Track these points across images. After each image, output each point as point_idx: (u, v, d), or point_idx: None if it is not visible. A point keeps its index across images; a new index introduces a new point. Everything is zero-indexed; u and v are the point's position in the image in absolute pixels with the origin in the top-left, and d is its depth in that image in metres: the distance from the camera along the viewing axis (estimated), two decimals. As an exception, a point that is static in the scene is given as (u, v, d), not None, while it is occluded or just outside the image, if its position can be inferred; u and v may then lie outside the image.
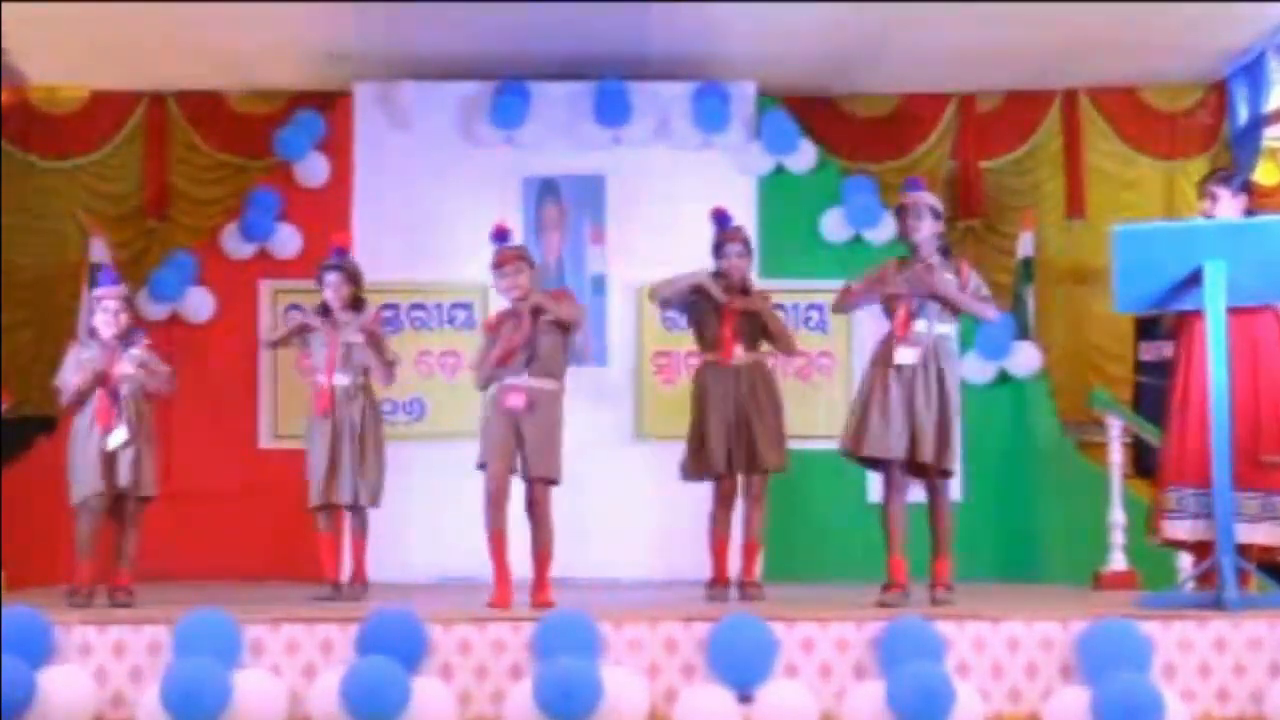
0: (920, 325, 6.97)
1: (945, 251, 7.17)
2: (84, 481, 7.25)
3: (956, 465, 7.06)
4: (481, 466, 7.07)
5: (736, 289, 7.67)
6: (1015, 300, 10.06)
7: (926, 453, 6.88)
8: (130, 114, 10.59)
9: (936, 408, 6.92)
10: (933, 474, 7.01)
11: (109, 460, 7.23)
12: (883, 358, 7.02)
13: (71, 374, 7.35)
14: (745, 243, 7.74)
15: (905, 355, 6.92)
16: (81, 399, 7.28)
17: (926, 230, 7.07)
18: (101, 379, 7.24)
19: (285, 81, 10.35)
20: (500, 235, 7.31)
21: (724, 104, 9.85)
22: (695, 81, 9.89)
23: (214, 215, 10.31)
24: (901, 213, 7.17)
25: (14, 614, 6.13)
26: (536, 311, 7.04)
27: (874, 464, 7.12)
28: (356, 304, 7.98)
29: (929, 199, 7.17)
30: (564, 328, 7.13)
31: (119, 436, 7.24)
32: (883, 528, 7.02)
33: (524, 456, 7.00)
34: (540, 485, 7.01)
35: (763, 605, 6.97)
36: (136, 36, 9.37)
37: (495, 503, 6.97)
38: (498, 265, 7.20)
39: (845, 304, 7.38)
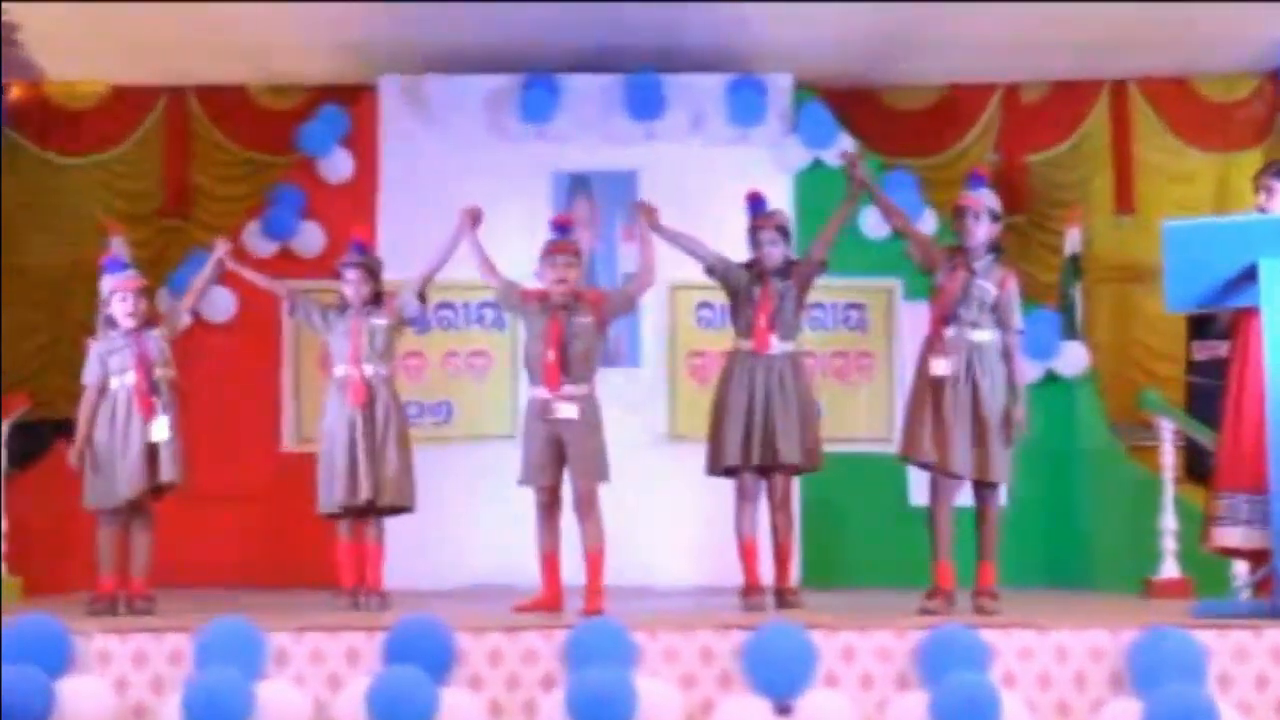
0: (951, 332, 6.96)
1: (996, 251, 7.13)
2: (124, 482, 7.18)
3: (1000, 476, 7.01)
4: (523, 482, 7.23)
5: (770, 277, 7.59)
6: (1063, 299, 10.01)
7: (959, 466, 6.87)
8: (150, 109, 10.66)
9: (970, 420, 6.90)
10: (982, 486, 7.01)
11: (151, 455, 7.23)
12: (921, 363, 7.05)
13: (94, 370, 7.36)
14: (779, 228, 7.63)
15: (938, 366, 6.94)
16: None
17: (982, 234, 7.07)
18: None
19: (309, 75, 10.39)
20: (562, 226, 7.46)
21: (760, 97, 9.84)
22: (730, 74, 9.90)
23: (236, 213, 10.34)
24: (959, 212, 7.15)
25: (32, 622, 6.16)
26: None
27: (924, 466, 7.12)
28: (377, 300, 7.86)
29: (990, 200, 7.14)
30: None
31: (163, 426, 7.25)
32: (928, 532, 7.00)
33: (572, 463, 7.15)
34: (588, 482, 7.13)
35: (801, 613, 6.96)
36: (156, 30, 9.41)
37: (547, 525, 7.23)
38: (551, 253, 7.28)
39: (902, 227, 7.50)
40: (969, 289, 7.01)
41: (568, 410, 7.14)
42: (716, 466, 7.54)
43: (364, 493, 7.52)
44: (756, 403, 7.43)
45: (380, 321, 7.71)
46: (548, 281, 7.29)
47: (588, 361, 7.25)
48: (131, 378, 7.27)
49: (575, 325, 7.22)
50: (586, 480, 7.14)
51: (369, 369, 7.64)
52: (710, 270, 7.74)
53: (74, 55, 9.94)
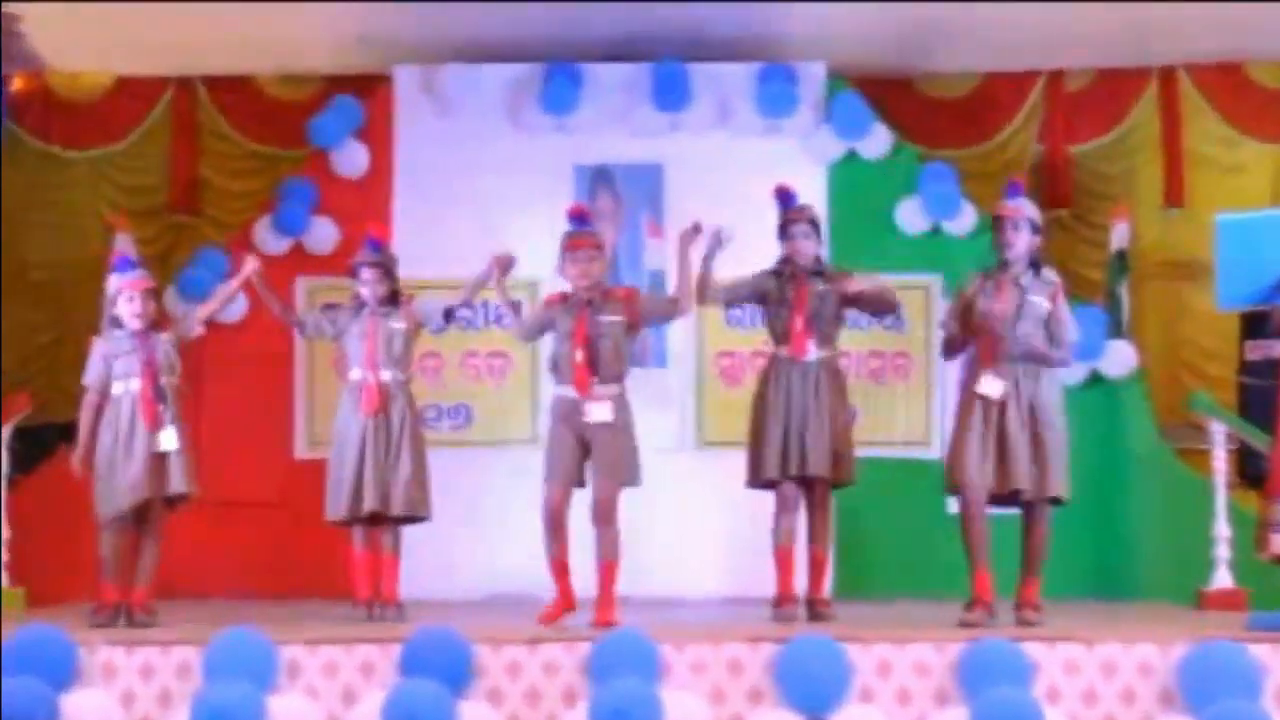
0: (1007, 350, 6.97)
1: (1037, 266, 7.12)
2: (126, 491, 7.20)
3: (1063, 490, 7.01)
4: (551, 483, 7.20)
5: (804, 275, 7.59)
6: (1108, 297, 9.97)
7: (1021, 481, 6.85)
8: (156, 101, 10.67)
9: (1029, 436, 6.88)
10: (1034, 500, 6.98)
11: (158, 464, 7.25)
12: (969, 384, 7.03)
13: (97, 370, 7.37)
14: (812, 222, 7.66)
15: (990, 387, 6.92)
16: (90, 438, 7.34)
17: (1023, 246, 7.07)
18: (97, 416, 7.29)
19: (321, 65, 10.40)
20: (579, 217, 7.41)
21: (791, 86, 9.82)
22: (760, 62, 9.88)
23: (245, 208, 10.37)
24: (998, 223, 7.15)
25: (35, 634, 6.19)
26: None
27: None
28: (394, 299, 7.91)
29: (1029, 210, 7.15)
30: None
31: (171, 435, 7.27)
32: (964, 542, 6.99)
33: (596, 465, 7.11)
34: (610, 487, 7.06)
35: (835, 625, 6.96)
36: (162, 19, 9.42)
37: (554, 529, 7.11)
38: (572, 248, 7.27)
39: (953, 351, 7.34)
40: (1022, 306, 7.00)
41: (600, 413, 7.11)
42: (757, 479, 7.54)
43: (370, 503, 7.58)
44: (794, 412, 7.43)
45: (398, 326, 7.77)
46: (570, 277, 7.29)
47: (618, 361, 7.22)
48: (137, 384, 7.29)
49: (603, 324, 7.19)
50: (611, 484, 7.09)
51: (385, 374, 7.69)
52: (744, 301, 7.78)
53: (77, 45, 9.97)
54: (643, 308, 7.44)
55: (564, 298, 7.36)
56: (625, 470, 7.15)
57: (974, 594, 6.92)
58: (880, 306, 7.67)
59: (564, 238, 7.35)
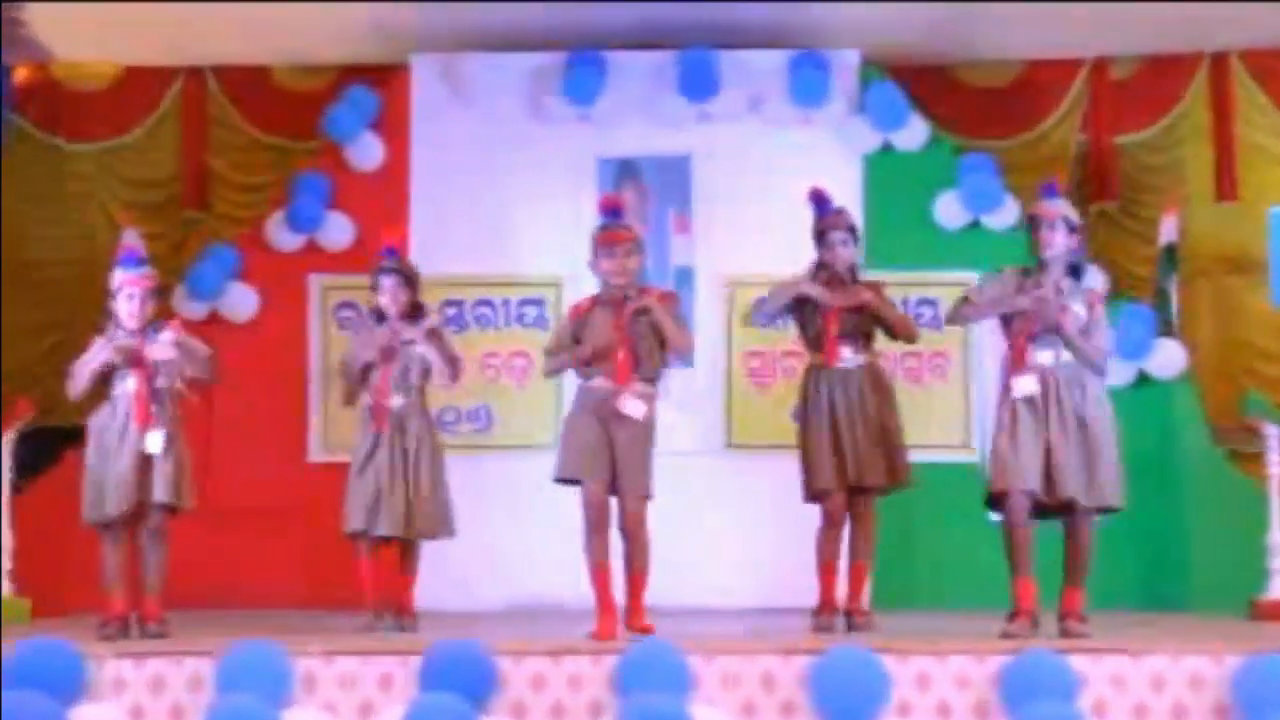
0: (1045, 356, 6.94)
1: (1076, 272, 7.11)
2: (112, 495, 7.14)
3: (1117, 499, 6.97)
4: (563, 481, 7.10)
5: (841, 281, 7.61)
6: (1157, 294, 9.96)
7: (1071, 490, 6.82)
8: (165, 91, 10.72)
9: (1078, 442, 6.86)
10: (1079, 509, 6.95)
11: (144, 469, 7.23)
12: (1005, 387, 7.02)
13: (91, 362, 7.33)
14: (850, 228, 7.67)
15: (1023, 386, 6.90)
16: (103, 377, 7.21)
17: (1060, 246, 7.04)
18: (131, 359, 7.15)
19: (335, 54, 10.42)
20: (612, 209, 7.33)
21: (824, 74, 9.82)
22: (792, 49, 9.88)
23: (257, 203, 10.42)
24: (1033, 223, 7.13)
25: (40, 646, 6.21)
26: (641, 311, 7.05)
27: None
28: (415, 310, 7.88)
29: (1066, 210, 7.11)
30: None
31: (157, 438, 7.25)
32: (1005, 549, 6.97)
33: (621, 475, 7.01)
34: (637, 500, 7.02)
35: (872, 636, 6.96)
36: (171, 6, 9.46)
37: (597, 530, 6.99)
38: (607, 243, 7.17)
39: (961, 317, 7.34)
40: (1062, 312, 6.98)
41: (634, 407, 6.98)
42: (809, 493, 7.54)
43: (388, 528, 7.64)
44: (841, 422, 7.43)
45: (419, 351, 7.76)
46: (604, 273, 7.17)
47: (653, 359, 7.17)
48: (132, 384, 7.28)
49: (643, 321, 7.14)
50: (638, 499, 7.02)
51: (397, 400, 7.73)
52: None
53: (83, 34, 10.00)
54: (673, 313, 7.26)
55: (594, 301, 7.26)
56: (646, 483, 7.06)
57: (1016, 604, 6.90)
58: (897, 333, 7.66)
59: (596, 231, 7.23)
